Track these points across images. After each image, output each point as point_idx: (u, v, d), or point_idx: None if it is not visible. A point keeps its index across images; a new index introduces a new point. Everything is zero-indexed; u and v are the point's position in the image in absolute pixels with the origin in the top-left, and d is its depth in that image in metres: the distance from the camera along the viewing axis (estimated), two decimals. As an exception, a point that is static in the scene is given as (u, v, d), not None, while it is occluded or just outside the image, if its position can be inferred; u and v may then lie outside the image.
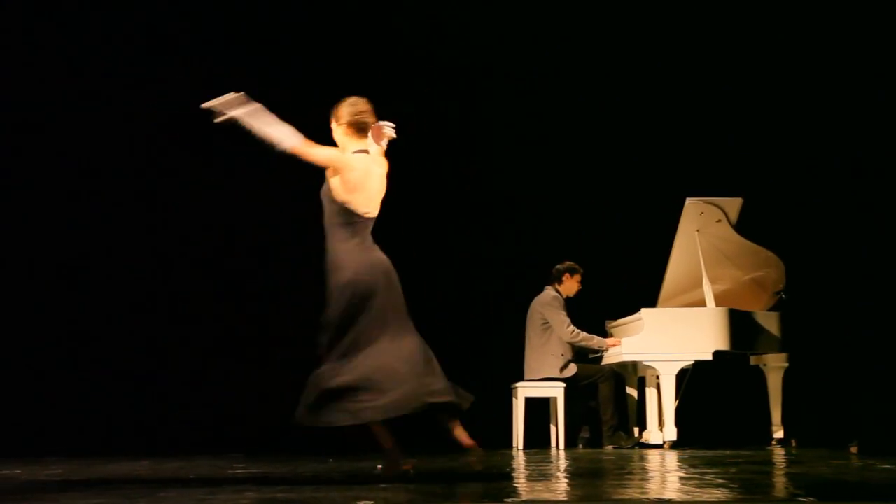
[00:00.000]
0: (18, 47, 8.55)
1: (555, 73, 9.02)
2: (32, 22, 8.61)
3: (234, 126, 4.57)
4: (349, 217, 4.49)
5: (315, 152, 4.44)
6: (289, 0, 8.92)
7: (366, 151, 4.61)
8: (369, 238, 4.57)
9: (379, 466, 5.00)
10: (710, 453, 6.42)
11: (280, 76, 8.83)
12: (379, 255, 4.56)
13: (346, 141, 4.61)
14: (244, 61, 8.82)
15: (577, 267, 7.77)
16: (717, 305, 7.26)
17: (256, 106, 4.48)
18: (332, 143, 4.71)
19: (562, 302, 7.66)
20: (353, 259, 4.48)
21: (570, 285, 7.74)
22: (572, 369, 7.54)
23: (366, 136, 4.62)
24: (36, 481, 4.67)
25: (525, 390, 7.51)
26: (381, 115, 4.86)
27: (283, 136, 4.41)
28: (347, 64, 8.86)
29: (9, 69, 8.47)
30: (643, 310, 7.25)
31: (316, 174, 4.62)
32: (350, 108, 4.63)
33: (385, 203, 8.39)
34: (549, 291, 7.72)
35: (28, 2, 8.60)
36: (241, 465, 5.72)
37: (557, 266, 7.77)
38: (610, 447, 7.42)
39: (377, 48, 8.94)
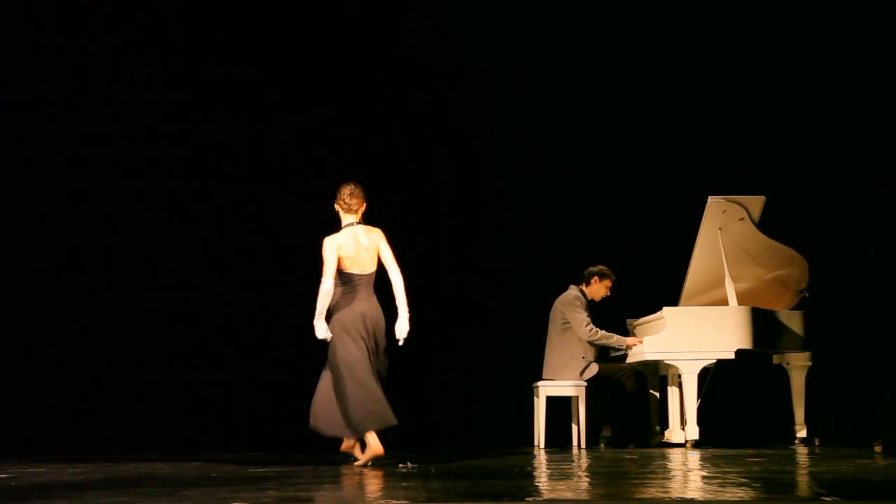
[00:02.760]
0: (20, 48, 8.63)
1: (578, 71, 9.00)
2: (34, 22, 8.68)
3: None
4: (343, 276, 5.87)
5: (325, 264, 5.80)
6: (289, 1, 8.95)
7: (351, 225, 5.92)
8: (359, 290, 5.88)
9: (401, 465, 5.00)
10: (732, 452, 6.40)
11: (279, 77, 8.87)
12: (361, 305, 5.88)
13: (341, 216, 5.97)
14: (243, 63, 8.86)
15: (608, 272, 7.68)
16: (740, 304, 7.22)
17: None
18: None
19: (583, 302, 7.62)
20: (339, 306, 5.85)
21: (598, 289, 7.68)
22: (593, 370, 7.50)
23: (353, 213, 5.95)
24: (60, 480, 4.70)
25: (547, 389, 7.49)
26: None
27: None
28: (349, 65, 8.90)
29: (10, 70, 8.56)
30: (665, 308, 7.22)
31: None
32: (340, 193, 5.97)
33: (413, 203, 8.49)
34: (571, 290, 7.68)
35: (29, 2, 8.67)
36: (262, 464, 5.74)
37: (590, 268, 7.71)
38: (632, 446, 7.39)
39: (381, 49, 8.97)
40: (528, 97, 9.04)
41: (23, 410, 8.13)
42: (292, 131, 8.77)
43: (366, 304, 5.84)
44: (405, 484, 4.23)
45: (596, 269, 7.69)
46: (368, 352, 5.76)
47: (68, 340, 8.42)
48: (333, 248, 5.80)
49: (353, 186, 5.94)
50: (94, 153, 8.64)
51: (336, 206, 5.96)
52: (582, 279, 7.71)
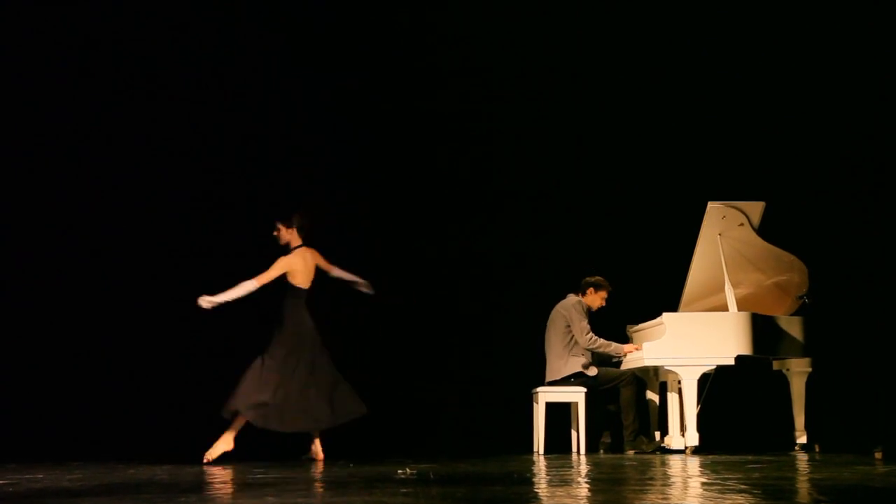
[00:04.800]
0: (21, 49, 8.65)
1: (577, 76, 9.00)
2: (36, 23, 8.70)
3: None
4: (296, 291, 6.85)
5: (269, 275, 6.71)
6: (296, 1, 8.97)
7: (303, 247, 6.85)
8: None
9: (400, 471, 4.98)
10: (732, 458, 6.38)
11: (280, 77, 8.87)
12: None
13: (293, 239, 6.88)
14: (241, 63, 8.86)
15: (604, 283, 7.70)
16: (740, 310, 7.22)
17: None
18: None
19: (584, 307, 7.63)
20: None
21: (593, 299, 7.69)
22: (594, 370, 7.53)
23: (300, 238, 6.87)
24: (58, 486, 4.69)
25: (546, 395, 7.48)
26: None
27: (244, 287, 6.68)
28: (348, 65, 8.90)
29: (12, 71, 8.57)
30: (665, 314, 7.21)
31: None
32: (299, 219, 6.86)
33: (412, 209, 8.59)
34: (571, 297, 7.69)
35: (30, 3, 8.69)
36: (261, 470, 5.73)
37: (586, 278, 7.73)
38: (631, 452, 7.38)
39: (380, 48, 8.98)
40: (526, 102, 9.04)
41: (20, 416, 8.11)
42: (289, 132, 8.77)
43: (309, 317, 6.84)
44: (404, 490, 4.21)
45: (592, 279, 7.70)
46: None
47: (65, 345, 8.40)
48: (292, 259, 6.78)
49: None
50: (90, 154, 8.64)
51: (293, 231, 6.84)
52: (578, 288, 7.72)
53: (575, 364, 7.50)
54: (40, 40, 8.64)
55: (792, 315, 7.47)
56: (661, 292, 7.70)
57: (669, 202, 8.49)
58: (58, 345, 8.41)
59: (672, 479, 4.77)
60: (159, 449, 7.60)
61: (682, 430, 7.30)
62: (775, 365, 7.75)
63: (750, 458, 6.43)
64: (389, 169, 8.96)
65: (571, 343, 7.54)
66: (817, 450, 7.47)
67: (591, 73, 8.97)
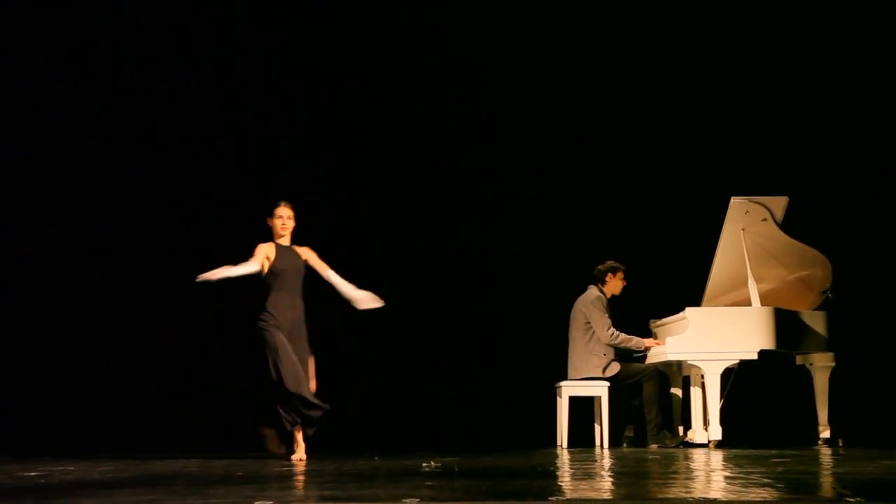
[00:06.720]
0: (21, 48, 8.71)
1: (577, 77, 8.99)
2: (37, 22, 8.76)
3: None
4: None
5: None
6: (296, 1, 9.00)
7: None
8: None
9: (425, 464, 5.02)
10: (755, 453, 6.39)
11: (280, 77, 8.90)
12: None
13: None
14: (241, 63, 8.89)
15: (618, 265, 7.75)
16: (763, 304, 7.22)
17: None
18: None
19: (605, 302, 7.66)
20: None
21: (615, 284, 7.74)
22: (615, 368, 7.55)
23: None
24: (89, 478, 4.76)
25: (569, 389, 7.51)
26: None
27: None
28: (348, 64, 8.92)
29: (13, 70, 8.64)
30: (688, 309, 7.23)
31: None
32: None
33: (411, 210, 8.52)
34: (592, 290, 7.72)
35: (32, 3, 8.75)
36: (288, 463, 5.79)
37: (599, 267, 7.77)
38: (655, 446, 7.41)
39: (381, 47, 9.00)
40: (526, 102, 9.02)
41: (51, 410, 8.20)
42: (289, 132, 8.81)
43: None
44: (429, 483, 4.25)
45: (606, 266, 7.75)
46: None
47: (97, 340, 8.47)
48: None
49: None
50: (91, 154, 8.68)
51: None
52: (596, 279, 7.75)
53: (596, 365, 7.52)
54: (40, 40, 8.70)
55: (815, 310, 7.47)
56: (685, 287, 7.70)
57: (693, 197, 8.48)
58: (86, 339, 8.48)
59: (695, 473, 4.79)
60: (189, 442, 7.68)
61: (706, 425, 7.31)
62: (798, 360, 7.75)
63: (773, 452, 6.44)
64: (389, 169, 8.97)
65: (592, 341, 7.56)
66: (841, 444, 7.47)
67: (591, 73, 8.95)
